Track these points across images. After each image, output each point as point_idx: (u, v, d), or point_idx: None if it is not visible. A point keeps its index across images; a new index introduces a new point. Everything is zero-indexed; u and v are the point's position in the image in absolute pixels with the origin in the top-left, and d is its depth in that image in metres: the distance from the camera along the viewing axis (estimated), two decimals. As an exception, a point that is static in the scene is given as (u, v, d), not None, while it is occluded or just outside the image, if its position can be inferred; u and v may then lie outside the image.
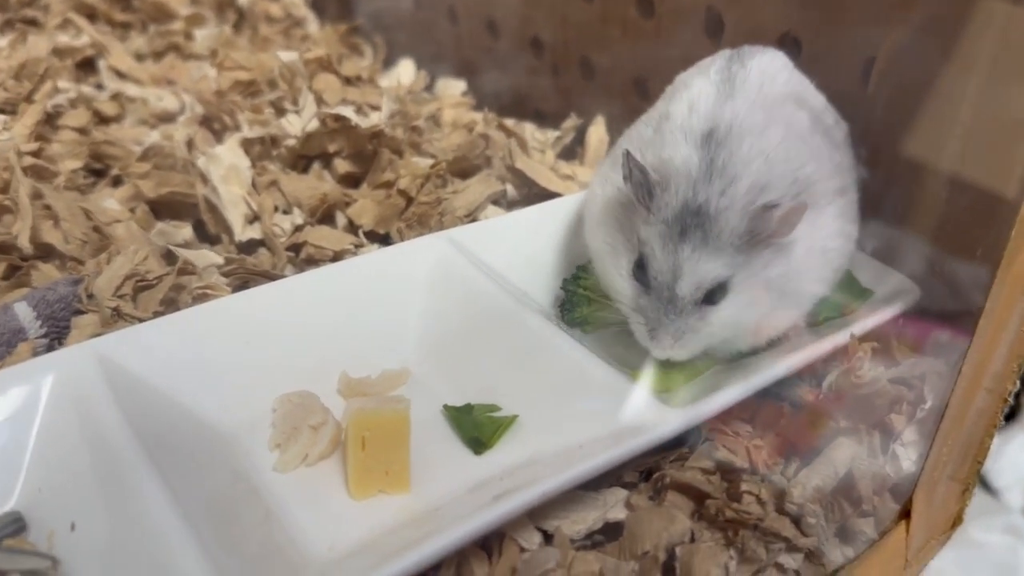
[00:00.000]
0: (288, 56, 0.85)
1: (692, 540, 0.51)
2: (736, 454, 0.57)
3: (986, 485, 0.82)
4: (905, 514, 0.62)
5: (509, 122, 0.85)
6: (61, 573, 0.45)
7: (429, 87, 0.99)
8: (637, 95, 0.88)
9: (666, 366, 0.56)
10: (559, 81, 0.95)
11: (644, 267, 0.55)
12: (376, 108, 0.85)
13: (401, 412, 0.51)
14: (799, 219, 0.53)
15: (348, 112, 0.75)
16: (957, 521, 0.69)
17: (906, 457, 0.60)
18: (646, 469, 0.55)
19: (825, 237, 0.58)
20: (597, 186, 0.64)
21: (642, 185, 0.54)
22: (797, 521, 0.55)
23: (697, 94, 0.58)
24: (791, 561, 0.54)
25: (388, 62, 1.08)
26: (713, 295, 0.54)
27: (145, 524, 0.44)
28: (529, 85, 0.98)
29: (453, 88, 0.95)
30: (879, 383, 0.56)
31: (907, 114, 0.64)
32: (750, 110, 0.56)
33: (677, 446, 0.56)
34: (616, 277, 0.57)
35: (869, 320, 0.60)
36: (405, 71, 1.01)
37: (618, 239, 0.57)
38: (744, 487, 0.53)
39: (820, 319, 0.62)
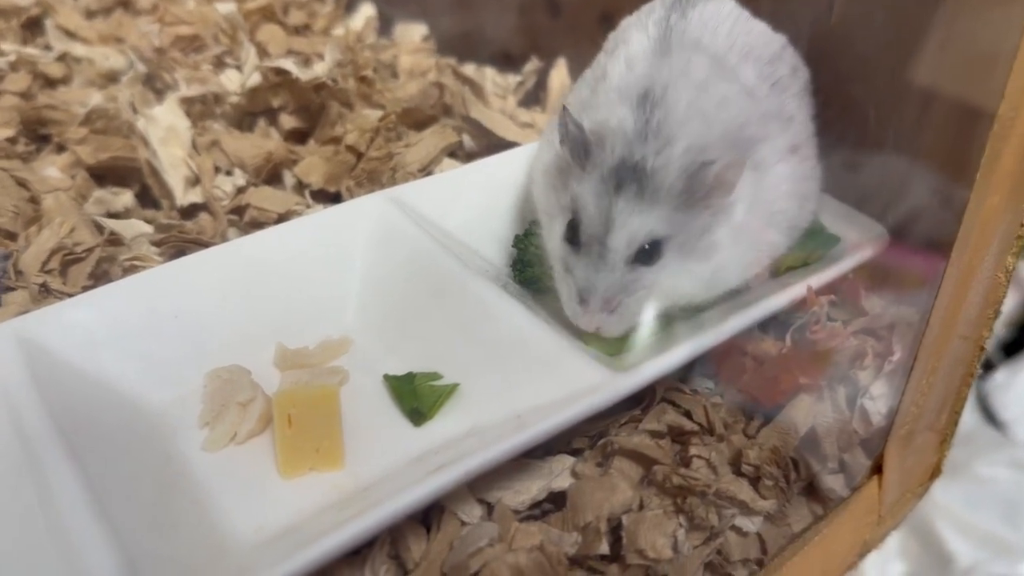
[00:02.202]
0: (226, 7, 0.81)
1: (641, 508, 0.49)
2: (692, 414, 0.54)
3: (992, 418, 0.79)
4: (877, 469, 0.60)
5: (469, 68, 0.81)
6: (-26, 568, 0.43)
7: (387, 32, 0.95)
8: (604, 33, 0.84)
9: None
10: (525, 21, 0.91)
11: (576, 227, 0.52)
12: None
13: (329, 388, 0.49)
14: (737, 177, 0.50)
15: (289, 64, 0.71)
16: (936, 472, 0.67)
17: (875, 411, 0.58)
18: (596, 435, 0.53)
19: (774, 199, 0.55)
20: (541, 149, 0.61)
21: (577, 142, 0.52)
22: (755, 483, 0.52)
23: (634, 51, 0.55)
24: (749, 524, 0.52)
25: (351, 7, 1.03)
26: (648, 255, 0.51)
27: (54, 511, 0.42)
28: (494, 26, 0.94)
29: (413, 33, 0.91)
30: (838, 336, 0.53)
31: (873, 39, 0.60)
32: (687, 67, 0.53)
33: (630, 409, 0.54)
34: (549, 241, 0.55)
35: (833, 269, 0.57)
36: (364, 16, 0.96)
37: (553, 203, 0.55)
38: (694, 451, 0.50)
39: (783, 268, 0.59)
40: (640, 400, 0.55)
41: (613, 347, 0.53)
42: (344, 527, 0.40)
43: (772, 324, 0.59)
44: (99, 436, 0.48)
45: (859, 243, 0.59)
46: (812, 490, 0.57)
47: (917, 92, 0.58)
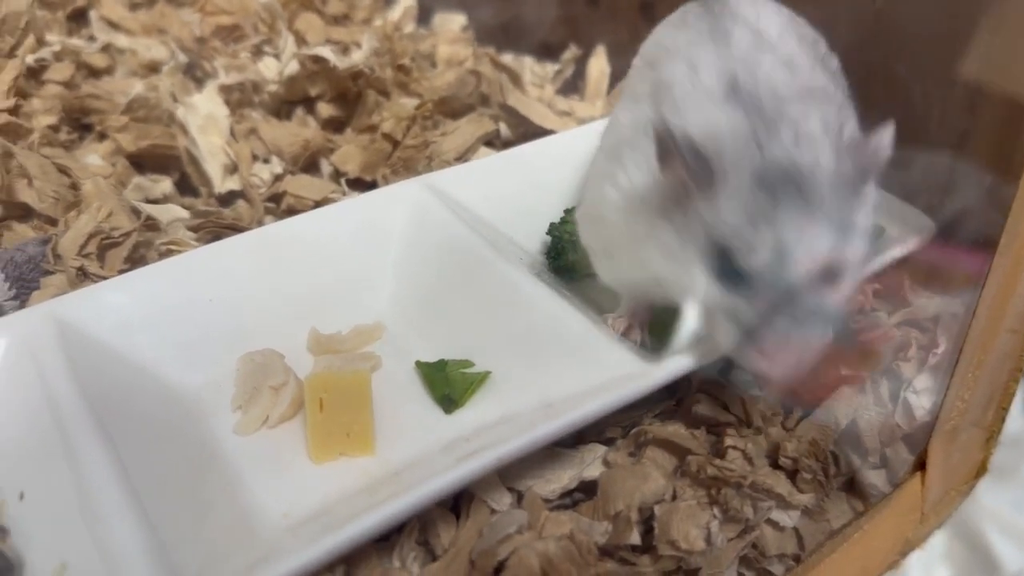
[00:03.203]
0: (264, -3, 0.81)
1: (674, 499, 0.48)
2: (730, 406, 0.53)
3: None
4: (920, 465, 0.58)
5: (507, 57, 0.81)
6: (10, 543, 0.44)
7: (427, 22, 0.95)
8: (643, 21, 0.83)
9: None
10: (564, 10, 0.90)
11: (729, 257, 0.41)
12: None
13: (361, 373, 0.48)
14: (889, 147, 0.42)
15: (327, 53, 0.71)
16: (981, 471, 0.65)
17: (919, 406, 0.56)
18: (629, 424, 0.52)
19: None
20: (606, 187, 0.50)
21: (696, 158, 0.41)
22: (793, 476, 0.51)
23: (690, 50, 0.48)
24: (787, 518, 0.50)
25: (391, -1, 1.03)
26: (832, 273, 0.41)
27: (87, 492, 0.42)
28: (533, 16, 0.93)
29: (451, 23, 0.91)
30: (880, 327, 0.51)
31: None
32: (761, 50, 0.46)
33: (665, 400, 0.53)
34: (685, 279, 0.44)
35: (878, 260, 0.55)
36: (404, 6, 0.96)
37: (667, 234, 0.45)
38: (729, 442, 0.49)
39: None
40: (675, 391, 0.54)
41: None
42: (372, 512, 0.40)
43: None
44: (132, 417, 0.48)
45: (904, 235, 0.57)
46: (853, 485, 0.55)
47: (964, 81, 0.57)
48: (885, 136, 0.42)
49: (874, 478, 0.55)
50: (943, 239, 0.58)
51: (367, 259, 0.59)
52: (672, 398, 0.54)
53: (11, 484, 0.45)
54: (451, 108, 0.74)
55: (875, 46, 0.60)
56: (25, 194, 0.65)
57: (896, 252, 0.56)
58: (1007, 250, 0.50)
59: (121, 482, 0.42)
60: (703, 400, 0.53)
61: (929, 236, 0.57)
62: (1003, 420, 0.62)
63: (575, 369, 0.49)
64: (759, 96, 0.42)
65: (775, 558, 0.50)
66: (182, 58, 0.80)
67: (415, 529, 0.46)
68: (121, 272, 0.57)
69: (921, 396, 0.56)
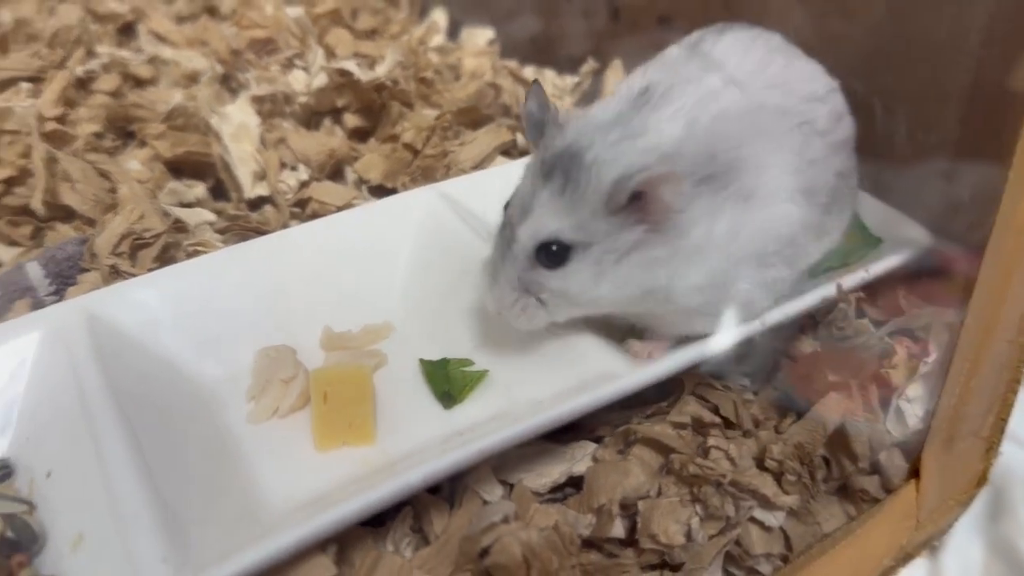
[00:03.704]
0: (295, 12, 0.85)
1: (659, 495, 0.50)
2: (720, 409, 0.55)
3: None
4: (915, 473, 0.59)
5: (528, 69, 0.83)
6: (36, 517, 0.48)
7: (456, 36, 0.98)
8: (662, 35, 0.85)
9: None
10: (587, 24, 0.93)
11: (506, 207, 0.50)
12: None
13: (363, 368, 0.51)
14: (673, 195, 0.46)
15: (352, 66, 0.75)
16: (982, 481, 0.65)
17: (912, 413, 0.57)
18: (621, 424, 0.54)
19: (746, 238, 0.50)
20: None
21: (533, 116, 0.49)
22: (779, 478, 0.53)
23: (661, 60, 0.55)
24: (772, 519, 0.52)
25: (424, 13, 1.07)
26: (551, 258, 0.48)
27: (105, 472, 0.45)
28: (557, 30, 0.96)
29: (478, 37, 0.94)
30: (863, 335, 0.53)
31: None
32: (695, 78, 0.51)
33: (657, 402, 0.55)
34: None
35: (871, 269, 0.57)
36: (437, 21, 1.00)
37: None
38: (712, 442, 0.51)
39: (822, 269, 0.59)
40: (668, 394, 0.56)
41: None
42: (360, 495, 0.43)
43: (808, 322, 0.59)
44: (154, 405, 0.52)
45: (899, 245, 0.58)
46: (845, 490, 0.57)
47: (953, 85, 0.58)
48: (658, 182, 0.45)
49: (866, 484, 0.56)
50: (939, 243, 0.59)
51: (380, 262, 0.62)
52: (665, 400, 0.55)
53: (40, 463, 0.49)
54: (471, 119, 0.77)
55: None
56: (68, 197, 0.69)
57: (892, 262, 0.58)
58: (993, 261, 0.51)
59: (137, 463, 0.45)
60: (693, 403, 0.54)
61: (925, 246, 0.58)
62: (1002, 431, 0.63)
63: (566, 369, 0.52)
64: (644, 107, 0.49)
65: (762, 557, 0.51)
66: (219, 69, 0.84)
67: (409, 516, 0.48)
68: (150, 270, 0.61)
69: (914, 404, 0.57)
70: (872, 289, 0.58)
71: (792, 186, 0.51)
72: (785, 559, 0.52)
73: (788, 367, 0.58)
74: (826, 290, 0.55)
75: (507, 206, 0.51)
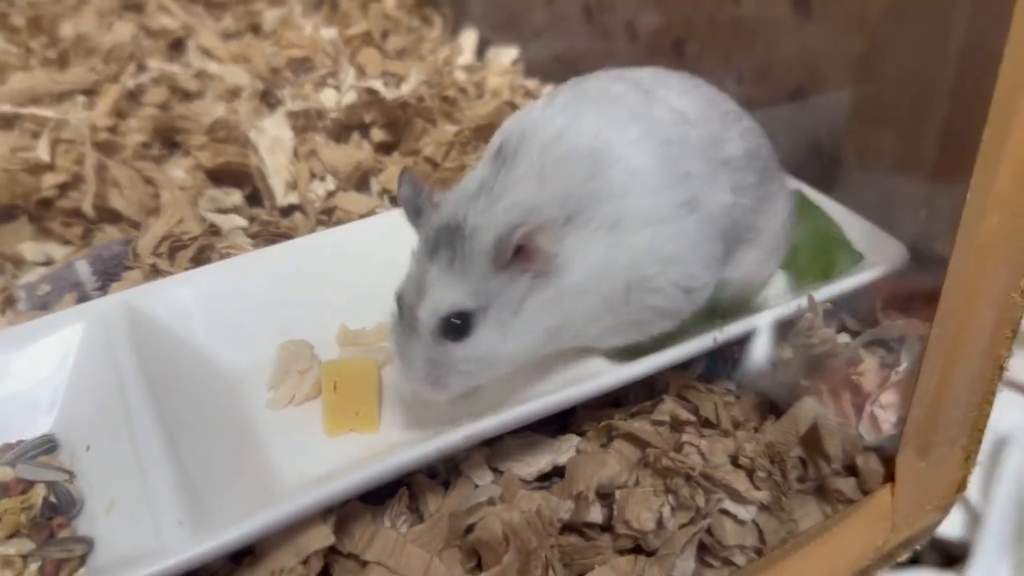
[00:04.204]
0: (329, 33, 0.91)
1: (636, 485, 0.54)
2: (700, 409, 0.59)
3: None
4: (891, 477, 0.62)
5: (547, 88, 0.88)
6: (76, 485, 0.54)
7: (481, 55, 1.04)
8: (675, 55, 0.89)
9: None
10: (607, 45, 0.98)
11: (399, 293, 0.53)
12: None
13: (371, 362, 0.56)
14: (551, 242, 0.49)
15: (378, 85, 0.80)
16: (961, 487, 0.68)
17: (886, 420, 0.60)
18: (605, 420, 0.58)
19: (625, 263, 0.52)
20: None
21: (408, 201, 0.53)
22: (751, 475, 0.56)
23: (523, 110, 0.57)
24: (744, 512, 0.56)
25: (456, 32, 1.12)
26: (456, 330, 0.50)
27: (137, 446, 0.51)
28: (581, 50, 1.01)
29: (503, 56, 0.99)
30: (829, 343, 0.56)
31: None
32: (551, 117, 0.53)
33: (642, 401, 0.59)
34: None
35: (847, 282, 0.60)
36: (467, 40, 1.05)
37: None
38: (685, 439, 0.55)
39: (809, 280, 0.63)
40: (654, 394, 0.60)
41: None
42: (356, 472, 0.48)
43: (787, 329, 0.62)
44: (185, 390, 0.57)
45: (878, 260, 0.62)
46: (823, 491, 0.60)
47: (930, 99, 0.61)
48: (537, 233, 0.48)
49: (841, 485, 0.60)
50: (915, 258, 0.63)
51: (393, 266, 0.66)
52: (649, 400, 0.60)
53: (81, 438, 0.56)
54: (489, 135, 0.82)
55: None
56: (116, 201, 0.76)
57: (869, 276, 0.61)
58: (957, 275, 0.54)
59: (165, 440, 0.51)
60: (674, 403, 0.59)
61: (902, 263, 0.62)
62: (979, 440, 0.66)
63: (552, 368, 0.56)
64: (505, 163, 0.52)
65: (735, 549, 0.55)
66: (259, 86, 0.90)
67: (405, 496, 0.53)
68: (186, 270, 0.67)
69: (888, 411, 0.60)
70: (852, 301, 0.62)
71: (665, 203, 0.53)
72: (759, 552, 0.56)
73: (770, 371, 0.62)
74: (799, 301, 0.58)
75: (398, 295, 0.53)
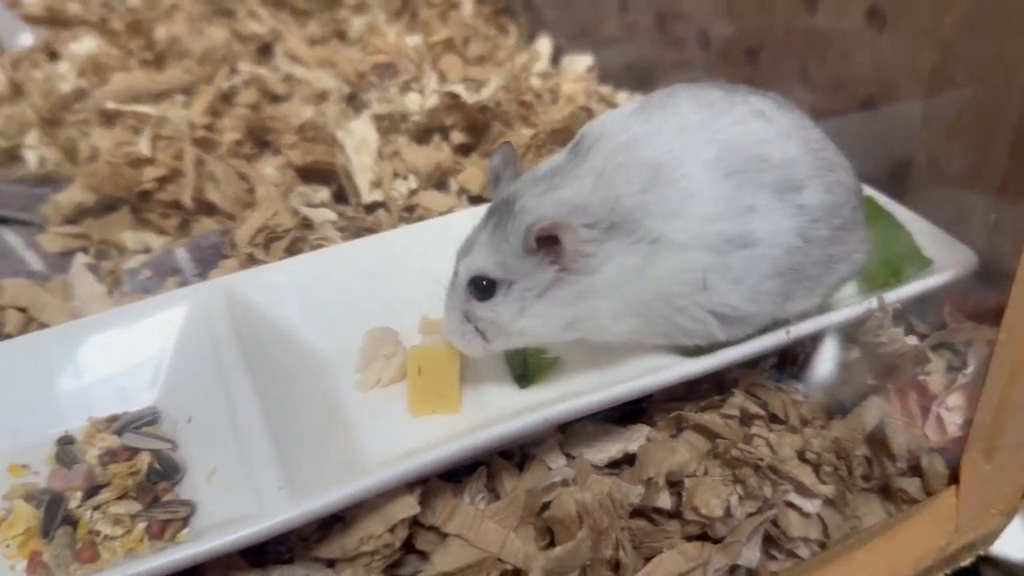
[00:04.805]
0: (414, 40, 0.95)
1: (705, 474, 0.56)
2: (769, 405, 0.61)
3: None
4: (955, 478, 0.63)
5: (620, 95, 0.91)
6: (178, 453, 0.58)
7: (558, 62, 1.07)
8: (749, 64, 0.91)
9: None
10: (680, 53, 1.00)
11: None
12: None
13: (452, 349, 0.59)
14: (570, 240, 0.52)
15: (460, 89, 0.84)
16: (1031, 492, 0.68)
17: (952, 421, 0.62)
18: (675, 412, 0.60)
19: (652, 279, 0.54)
20: None
21: (494, 170, 0.58)
22: (817, 469, 0.58)
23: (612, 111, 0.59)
24: (810, 506, 0.57)
25: (531, 40, 1.16)
26: (480, 291, 0.55)
27: (237, 418, 0.55)
28: (655, 59, 1.03)
29: (577, 64, 1.02)
30: (898, 343, 0.58)
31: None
32: (628, 126, 0.55)
33: (711, 395, 0.61)
34: None
35: (916, 286, 0.62)
36: (542, 48, 1.09)
37: None
38: (755, 431, 0.57)
39: (878, 284, 0.65)
40: (723, 389, 0.62)
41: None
42: (440, 448, 0.51)
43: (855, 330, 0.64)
44: (278, 369, 0.61)
45: (947, 265, 0.63)
46: (887, 490, 0.61)
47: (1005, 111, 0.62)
48: (556, 229, 0.52)
49: (905, 484, 0.61)
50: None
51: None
52: (720, 395, 0.62)
53: (183, 411, 0.60)
54: (563, 138, 0.85)
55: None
56: (212, 194, 0.80)
57: (937, 281, 0.63)
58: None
59: (263, 413, 0.55)
60: (743, 397, 0.60)
61: (971, 268, 0.63)
62: (1048, 445, 0.66)
63: (626, 360, 0.59)
64: (574, 159, 0.56)
65: (800, 541, 0.57)
66: (345, 89, 0.95)
67: (483, 475, 0.56)
68: (280, 259, 0.72)
69: (953, 413, 0.61)
70: (920, 306, 0.63)
71: (712, 233, 0.54)
72: (823, 545, 0.57)
73: (837, 371, 0.63)
74: (868, 303, 0.60)
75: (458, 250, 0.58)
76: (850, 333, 0.62)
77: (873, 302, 0.59)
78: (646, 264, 0.54)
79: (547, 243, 0.53)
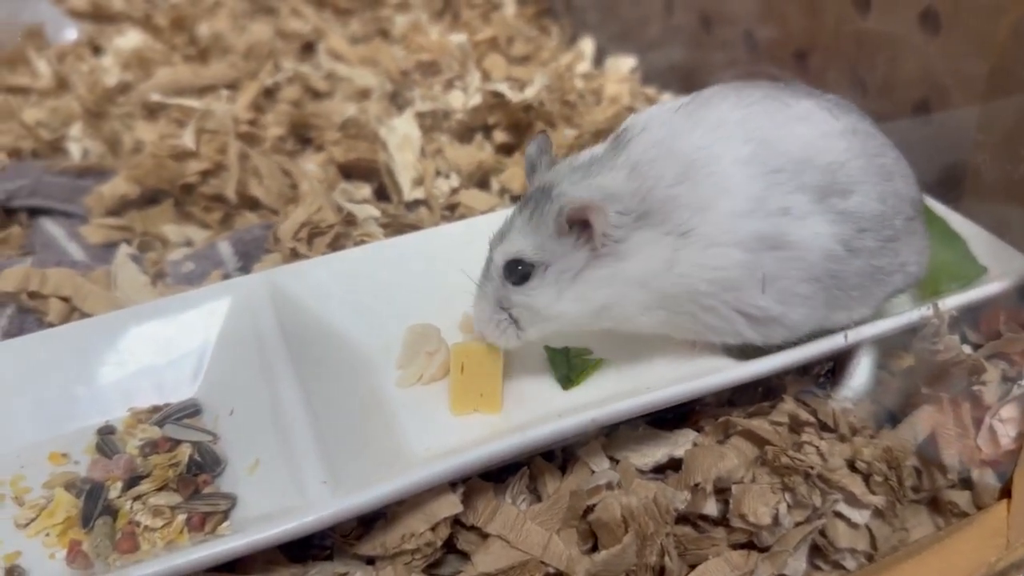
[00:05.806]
0: (458, 38, 0.95)
1: (753, 481, 0.55)
2: (819, 413, 0.60)
3: None
4: (1007, 492, 0.61)
5: (665, 96, 0.90)
6: (219, 446, 0.58)
7: (602, 63, 1.06)
8: (797, 66, 0.90)
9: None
10: (726, 55, 0.99)
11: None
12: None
13: (495, 348, 0.59)
14: (599, 222, 0.52)
15: (504, 88, 0.84)
16: (1083, 510, 0.66)
17: (1005, 434, 0.60)
18: (723, 417, 0.59)
19: (680, 273, 0.54)
20: None
21: (531, 159, 0.58)
22: (867, 479, 0.57)
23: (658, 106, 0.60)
24: (858, 516, 0.56)
25: (574, 40, 1.15)
26: (517, 275, 0.55)
27: (280, 415, 0.55)
28: (700, 61, 1.02)
29: (621, 65, 1.01)
30: (954, 351, 0.56)
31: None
32: (669, 120, 0.55)
33: (759, 402, 0.60)
34: None
35: (971, 295, 0.60)
36: (584, 49, 1.08)
37: None
38: (805, 439, 0.56)
39: (932, 292, 0.63)
40: (771, 395, 0.61)
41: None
42: (483, 446, 0.51)
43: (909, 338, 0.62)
44: (320, 363, 0.61)
45: (1001, 274, 0.62)
46: (936, 503, 0.60)
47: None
48: (584, 210, 0.52)
49: (955, 497, 0.59)
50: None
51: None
52: (768, 401, 0.61)
53: (225, 403, 0.60)
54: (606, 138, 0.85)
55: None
56: (256, 189, 0.81)
57: (993, 289, 0.61)
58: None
59: (306, 407, 0.55)
60: (793, 405, 0.59)
61: (1024, 277, 0.62)
62: (1103, 464, 0.64)
63: (673, 363, 0.58)
64: (612, 150, 0.57)
65: (847, 552, 0.55)
66: (388, 87, 0.95)
67: (526, 476, 0.56)
68: (323, 254, 0.71)
69: (1007, 425, 0.60)
70: (975, 314, 0.62)
71: (743, 230, 0.53)
72: (870, 557, 0.56)
73: (887, 379, 0.62)
74: (923, 311, 0.58)
75: (490, 240, 0.58)
76: (901, 342, 0.61)
77: (929, 309, 0.57)
78: (675, 258, 0.54)
79: (579, 224, 0.54)
